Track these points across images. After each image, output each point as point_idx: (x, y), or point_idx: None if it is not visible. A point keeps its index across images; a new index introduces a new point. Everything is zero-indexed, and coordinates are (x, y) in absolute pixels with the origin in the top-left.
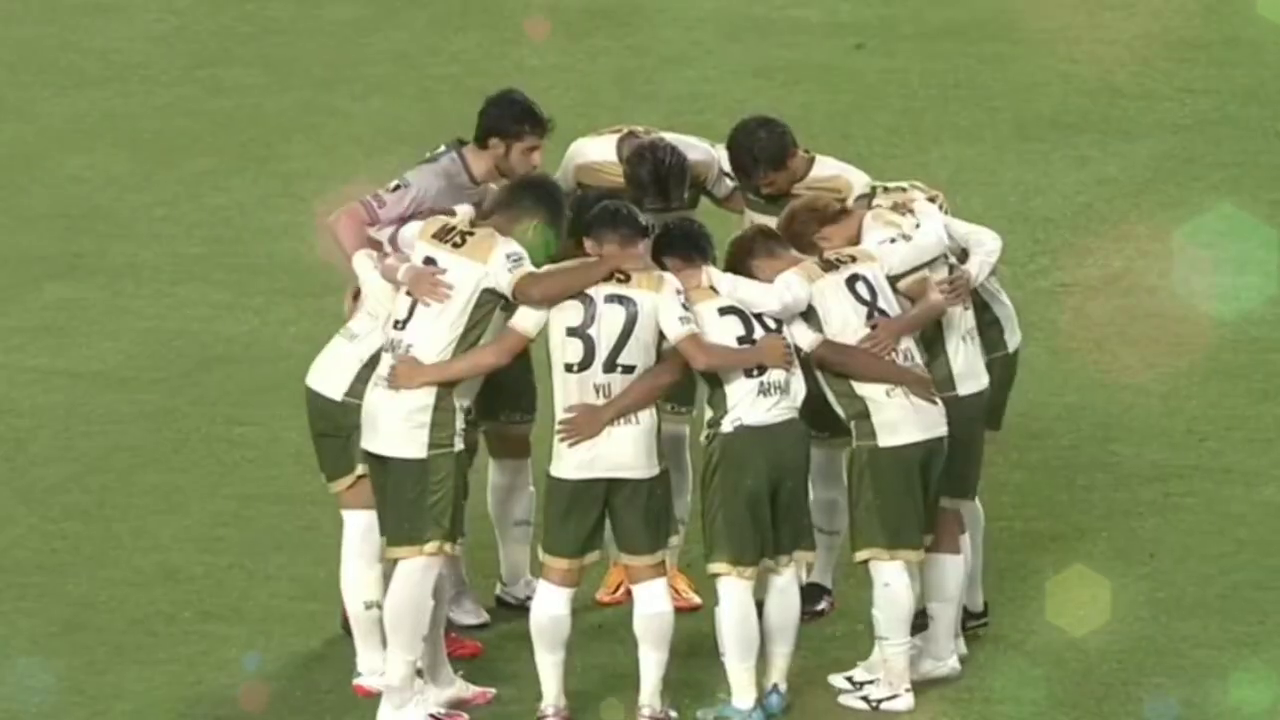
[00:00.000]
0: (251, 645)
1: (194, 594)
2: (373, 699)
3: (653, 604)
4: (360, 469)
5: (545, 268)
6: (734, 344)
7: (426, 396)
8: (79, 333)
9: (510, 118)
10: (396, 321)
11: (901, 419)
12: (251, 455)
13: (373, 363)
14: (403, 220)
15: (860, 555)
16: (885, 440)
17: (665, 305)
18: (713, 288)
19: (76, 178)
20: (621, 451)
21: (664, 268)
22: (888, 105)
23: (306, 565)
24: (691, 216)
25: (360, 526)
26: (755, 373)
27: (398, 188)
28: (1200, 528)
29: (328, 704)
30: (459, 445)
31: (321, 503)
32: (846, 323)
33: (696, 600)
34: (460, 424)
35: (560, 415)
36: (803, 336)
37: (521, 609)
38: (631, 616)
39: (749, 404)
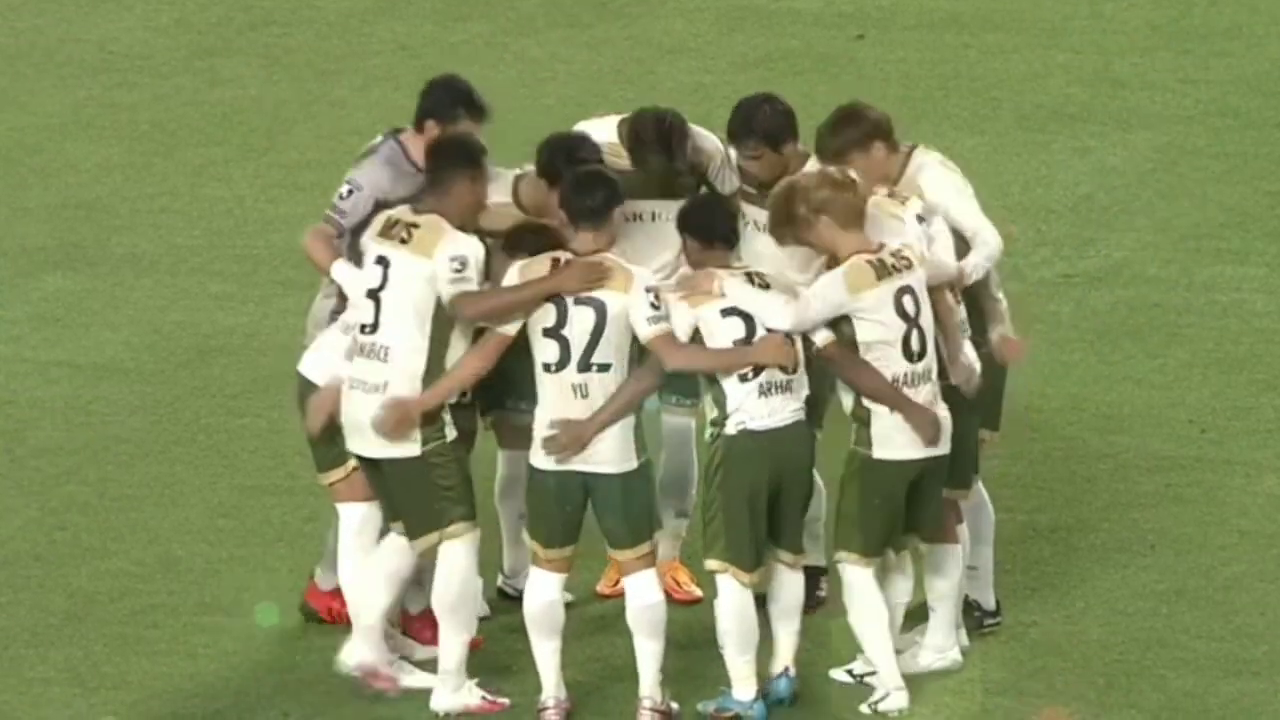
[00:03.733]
0: (252, 637)
1: (194, 585)
2: (371, 690)
3: (643, 594)
4: (353, 461)
5: (485, 288)
6: (731, 345)
7: (413, 391)
8: (78, 324)
9: (445, 101)
10: (364, 326)
11: (899, 434)
12: (252, 446)
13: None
14: (370, 217)
15: (836, 556)
16: (879, 452)
17: (634, 305)
18: (724, 279)
19: (75, 168)
20: (598, 447)
21: (686, 246)
22: (888, 96)
23: (307, 557)
24: (714, 196)
25: (356, 519)
26: (751, 375)
27: (351, 192)
28: (1201, 519)
29: (329, 695)
30: (451, 433)
31: (322, 494)
32: (878, 335)
33: (697, 593)
34: (448, 414)
35: (541, 411)
36: (818, 332)
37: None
38: None
39: (751, 406)
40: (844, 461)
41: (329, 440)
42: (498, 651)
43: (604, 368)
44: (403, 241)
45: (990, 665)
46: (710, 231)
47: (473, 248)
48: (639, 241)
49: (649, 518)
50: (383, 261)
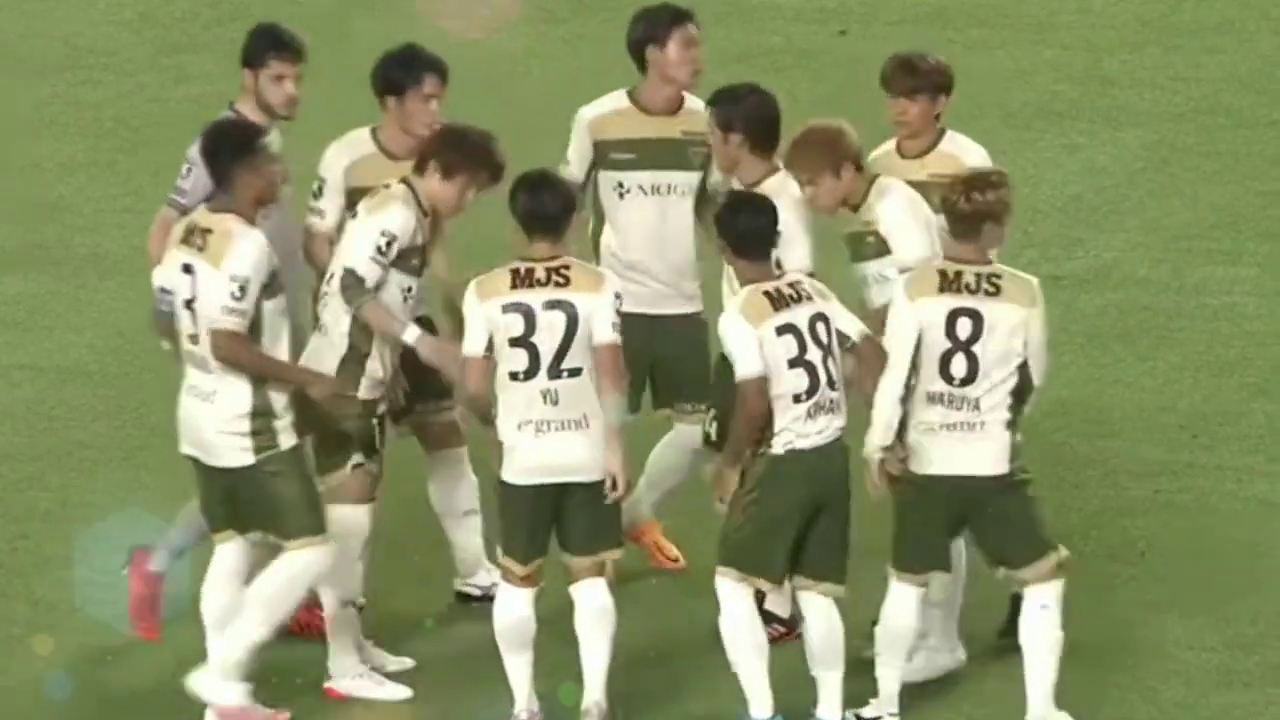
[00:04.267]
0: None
1: (161, 593)
2: (345, 703)
3: (594, 598)
4: (356, 458)
5: (254, 348)
6: (785, 366)
7: (241, 406)
8: (41, 326)
9: (254, 47)
10: (189, 335)
11: (933, 449)
12: None
13: (353, 355)
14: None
15: (889, 567)
16: (913, 466)
17: (600, 307)
18: (773, 294)
19: (38, 166)
20: (574, 455)
21: (720, 246)
22: (871, 93)
23: None
24: (756, 195)
25: (345, 522)
26: (805, 396)
27: (189, 170)
28: (1192, 526)
29: (298, 707)
30: (286, 442)
31: None
32: (911, 345)
33: (674, 553)
34: (282, 422)
35: (505, 420)
36: (852, 325)
37: (486, 599)
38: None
39: (800, 428)
40: None
41: (332, 445)
42: (465, 661)
43: (575, 372)
44: (200, 250)
45: (977, 676)
46: (737, 237)
47: (256, 264)
48: (652, 217)
49: (615, 526)
50: (189, 270)
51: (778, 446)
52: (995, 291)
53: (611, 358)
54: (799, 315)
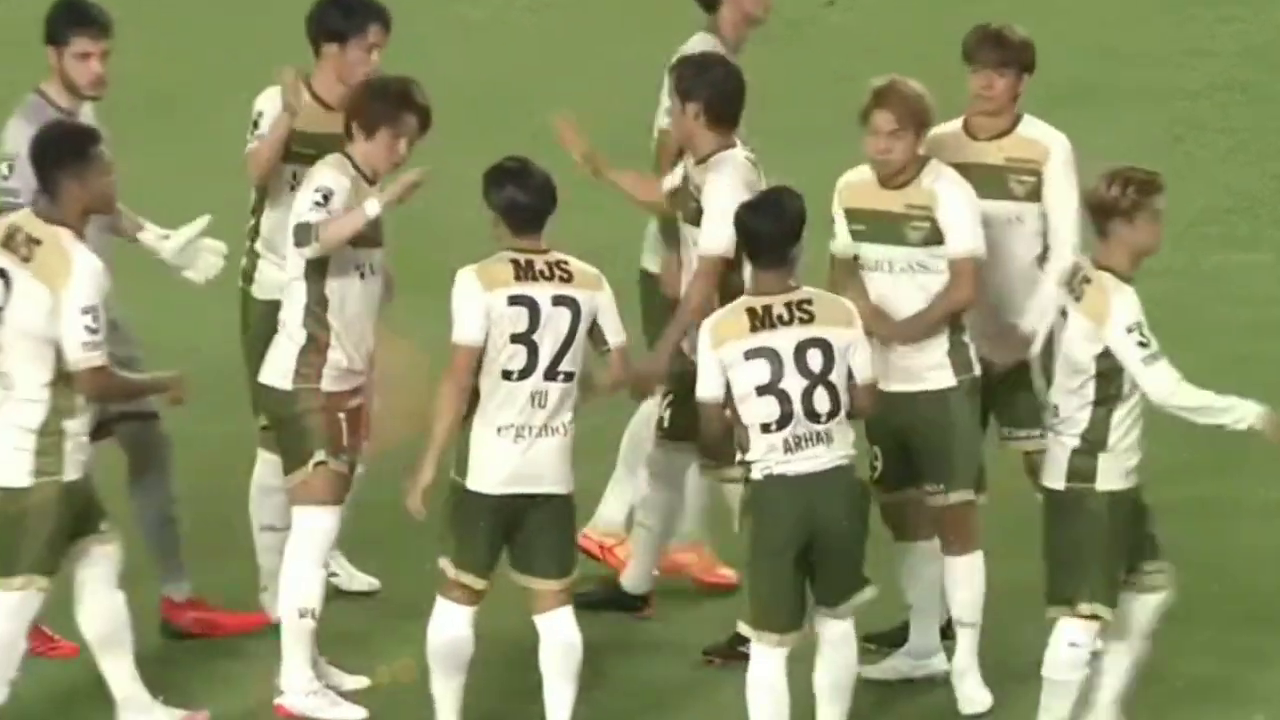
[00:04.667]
0: (171, 661)
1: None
2: None
3: (563, 632)
4: (318, 455)
5: (118, 376)
6: (752, 392)
7: (33, 419)
8: None
9: (55, 23)
10: None
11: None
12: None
13: (311, 345)
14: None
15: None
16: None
17: (606, 306)
18: (756, 312)
19: None
20: (549, 464)
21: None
22: (859, 68)
23: (225, 572)
24: (783, 194)
25: (309, 524)
26: (775, 427)
27: (11, 167)
28: (1205, 532)
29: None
30: (70, 475)
31: (240, 505)
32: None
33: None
34: (71, 444)
35: (482, 424)
36: (863, 368)
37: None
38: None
39: (778, 456)
40: None
41: (294, 440)
42: (424, 681)
43: (568, 376)
44: (25, 260)
45: (998, 701)
46: (748, 238)
47: (100, 287)
48: None
49: (575, 545)
50: (3, 275)
51: (757, 473)
52: (1079, 297)
53: (623, 358)
54: (782, 339)
